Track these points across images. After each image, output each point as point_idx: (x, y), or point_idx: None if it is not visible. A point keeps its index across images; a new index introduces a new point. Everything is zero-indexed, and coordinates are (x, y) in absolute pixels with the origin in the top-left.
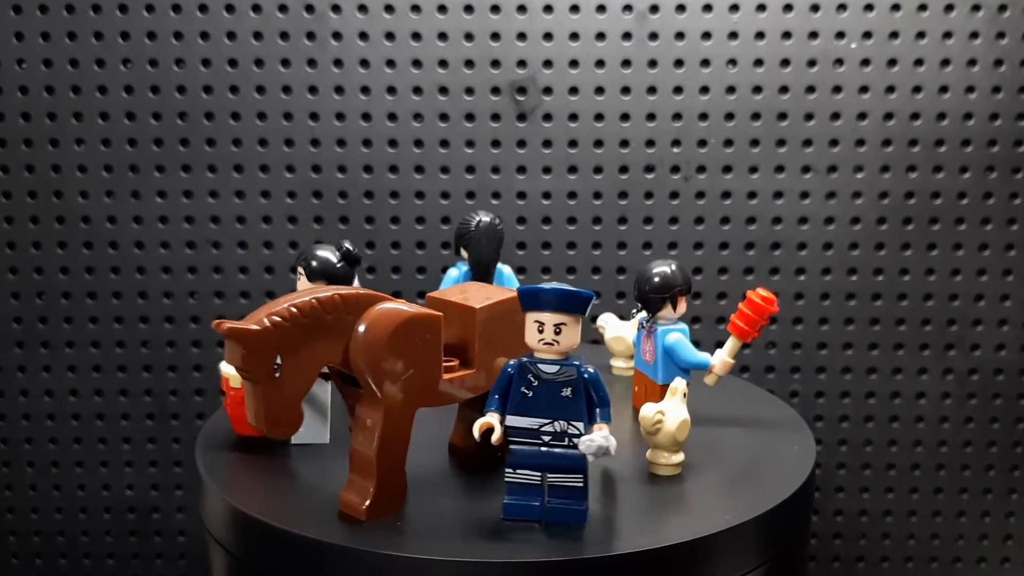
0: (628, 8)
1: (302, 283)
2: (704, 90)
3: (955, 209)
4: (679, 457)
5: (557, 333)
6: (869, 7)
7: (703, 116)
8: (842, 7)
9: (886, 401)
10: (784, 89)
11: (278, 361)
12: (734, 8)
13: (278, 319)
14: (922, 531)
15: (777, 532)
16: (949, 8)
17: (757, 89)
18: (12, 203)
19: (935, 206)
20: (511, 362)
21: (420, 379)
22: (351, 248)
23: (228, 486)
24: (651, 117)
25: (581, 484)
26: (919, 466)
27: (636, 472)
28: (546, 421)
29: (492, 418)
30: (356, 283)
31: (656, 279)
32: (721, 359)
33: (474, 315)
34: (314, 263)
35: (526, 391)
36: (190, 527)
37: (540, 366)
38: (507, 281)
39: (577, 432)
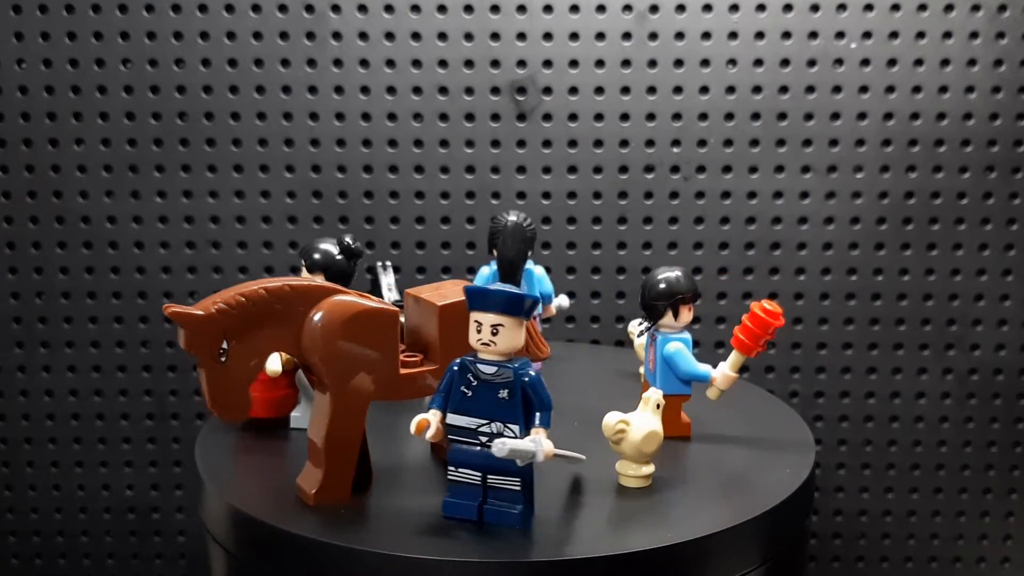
0: (628, 8)
1: (304, 275)
2: (704, 90)
3: (955, 209)
4: (647, 469)
5: (494, 334)
6: (869, 7)
7: (703, 116)
8: (842, 7)
9: (886, 401)
10: (784, 89)
11: (225, 346)
12: (734, 8)
13: (223, 306)
14: (922, 531)
15: (777, 532)
16: (949, 8)
17: (757, 89)
18: (12, 203)
19: (935, 206)
20: (456, 360)
21: (373, 372)
22: (351, 242)
23: (228, 486)
24: (651, 117)
25: (519, 488)
26: (919, 466)
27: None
28: (484, 422)
29: (430, 415)
30: (389, 282)
31: (659, 285)
32: (723, 372)
33: (436, 312)
34: (315, 256)
35: (466, 390)
36: (190, 527)
37: (479, 366)
38: (536, 282)
39: (513, 435)
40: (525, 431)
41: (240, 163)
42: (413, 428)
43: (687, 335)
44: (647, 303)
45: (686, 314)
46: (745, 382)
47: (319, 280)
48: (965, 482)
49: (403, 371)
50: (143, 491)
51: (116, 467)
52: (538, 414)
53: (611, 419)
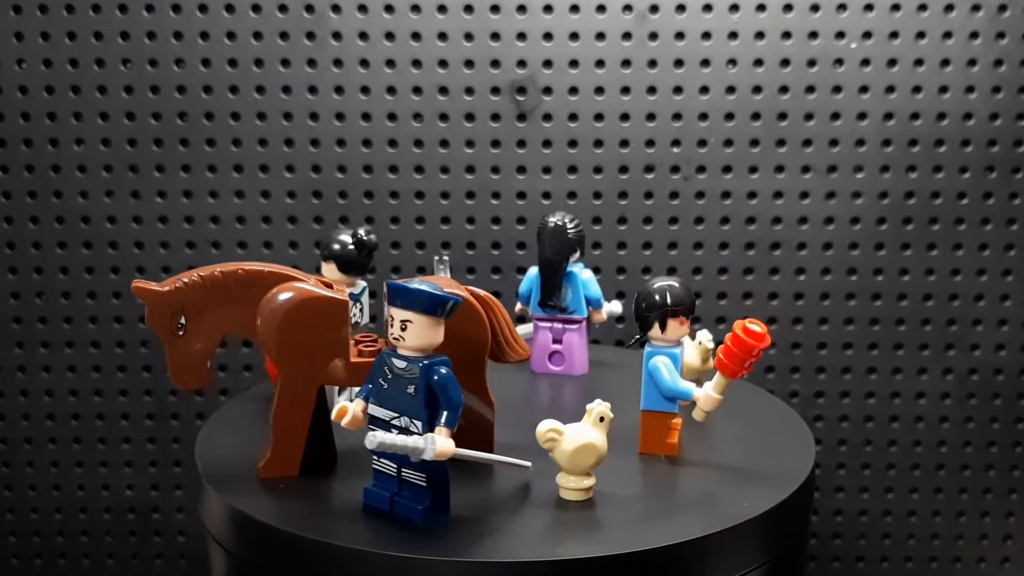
0: (628, 8)
1: (323, 265)
2: (704, 90)
3: (955, 209)
4: (587, 482)
5: (403, 329)
6: (869, 7)
7: (703, 116)
8: (842, 7)
9: (886, 401)
10: (784, 89)
11: (183, 321)
12: (734, 8)
13: (180, 284)
14: (922, 531)
15: (777, 532)
16: (949, 8)
17: (757, 89)
18: (12, 203)
19: (935, 206)
20: (383, 352)
21: (321, 357)
22: (364, 235)
23: (227, 486)
24: (651, 117)
25: (424, 483)
26: (919, 466)
27: (636, 473)
28: (395, 414)
29: (352, 403)
30: (441, 272)
31: (650, 296)
32: (706, 393)
33: None
34: (333, 246)
35: (383, 382)
36: (190, 527)
37: (394, 360)
38: (580, 285)
39: (417, 431)
40: (428, 428)
41: (240, 163)
42: (334, 414)
43: (677, 350)
44: (638, 314)
45: (676, 328)
46: (745, 382)
47: (331, 268)
48: (965, 482)
49: (354, 359)
50: (143, 491)
51: (116, 467)
52: (444, 413)
53: (542, 427)
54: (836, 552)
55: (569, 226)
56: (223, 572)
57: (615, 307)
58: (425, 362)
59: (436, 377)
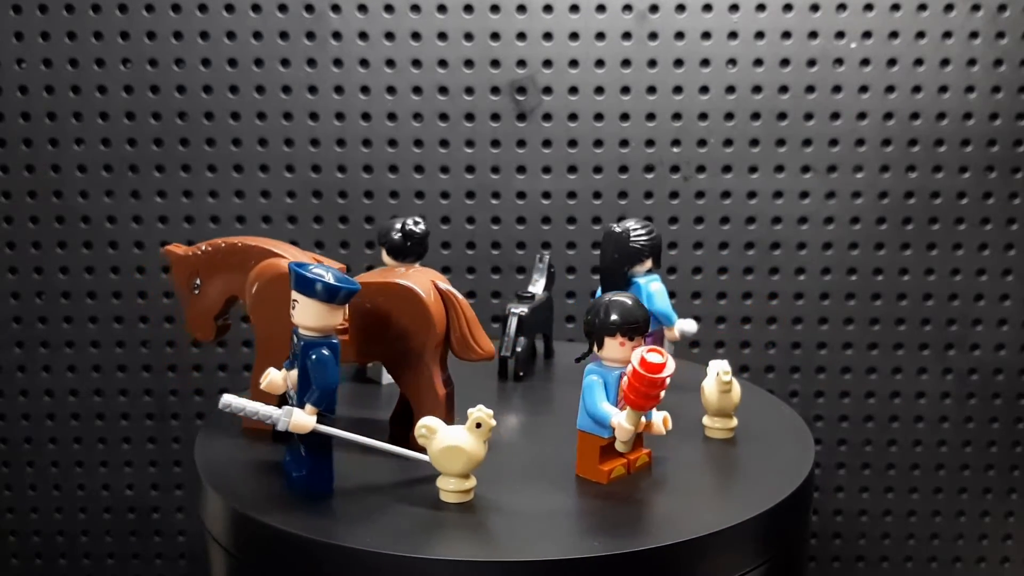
0: (628, 8)
1: (381, 252)
2: (704, 90)
3: (955, 209)
4: (466, 484)
5: (293, 308)
6: (869, 7)
7: (703, 116)
8: (842, 7)
9: (886, 401)
10: (784, 89)
11: (198, 282)
12: (734, 8)
13: (198, 250)
14: (922, 531)
15: (777, 532)
16: (949, 8)
17: (757, 89)
18: (12, 203)
19: (935, 206)
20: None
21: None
22: (413, 225)
23: (227, 486)
24: (651, 117)
25: (303, 453)
26: (919, 466)
27: (635, 473)
28: (291, 387)
29: (276, 371)
30: (536, 277)
31: (590, 309)
32: (619, 423)
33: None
34: (387, 234)
35: (293, 356)
36: (190, 527)
37: (294, 337)
38: (645, 298)
39: (296, 404)
40: (299, 403)
41: (240, 163)
42: (262, 379)
43: (612, 370)
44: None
45: (615, 347)
46: (745, 382)
47: (385, 255)
48: (965, 482)
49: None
50: (143, 491)
51: (116, 467)
52: (311, 391)
53: (420, 423)
54: (836, 552)
55: (633, 233)
56: (223, 572)
57: (688, 326)
58: (307, 341)
59: (311, 357)
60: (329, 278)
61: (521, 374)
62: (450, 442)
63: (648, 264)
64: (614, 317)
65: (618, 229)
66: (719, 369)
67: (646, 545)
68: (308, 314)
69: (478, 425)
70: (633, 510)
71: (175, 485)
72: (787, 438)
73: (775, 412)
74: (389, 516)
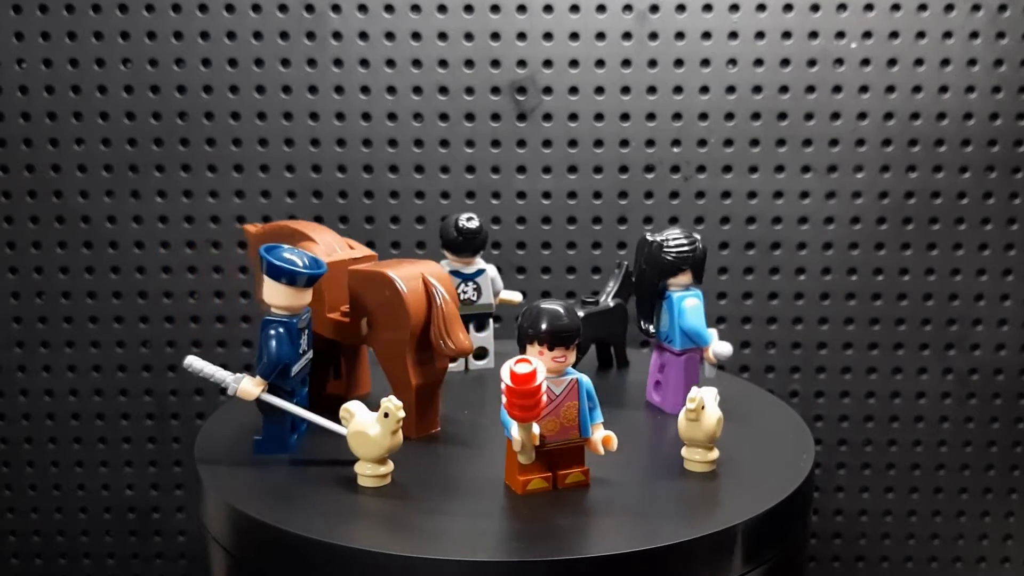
0: (628, 8)
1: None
2: (704, 90)
3: (955, 209)
4: (383, 469)
5: (260, 287)
6: (869, 7)
7: (703, 116)
8: (842, 7)
9: (886, 401)
10: (784, 89)
11: None
12: (734, 8)
13: (263, 229)
14: (922, 531)
15: (777, 532)
16: (949, 8)
17: (757, 89)
18: (12, 203)
19: (935, 206)
20: None
21: (313, 307)
22: (465, 221)
23: (227, 486)
24: (651, 117)
25: (261, 419)
26: (919, 466)
27: (636, 473)
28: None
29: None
30: (610, 286)
31: (520, 314)
32: (511, 434)
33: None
34: (446, 230)
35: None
36: (190, 527)
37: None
38: (675, 314)
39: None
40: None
41: (240, 163)
42: None
43: None
44: None
45: (534, 355)
46: (745, 382)
47: (447, 250)
48: (965, 482)
49: (329, 315)
50: (143, 491)
51: (116, 467)
52: (259, 362)
53: (343, 405)
54: (836, 552)
55: (667, 244)
56: (223, 572)
57: (722, 348)
58: (265, 318)
59: (266, 331)
60: (299, 265)
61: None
62: (359, 427)
63: (685, 278)
64: (531, 325)
65: (651, 237)
66: (688, 396)
67: (646, 545)
68: (267, 292)
69: (386, 415)
70: (633, 511)
71: (175, 485)
72: (787, 438)
73: (775, 412)
74: (389, 516)
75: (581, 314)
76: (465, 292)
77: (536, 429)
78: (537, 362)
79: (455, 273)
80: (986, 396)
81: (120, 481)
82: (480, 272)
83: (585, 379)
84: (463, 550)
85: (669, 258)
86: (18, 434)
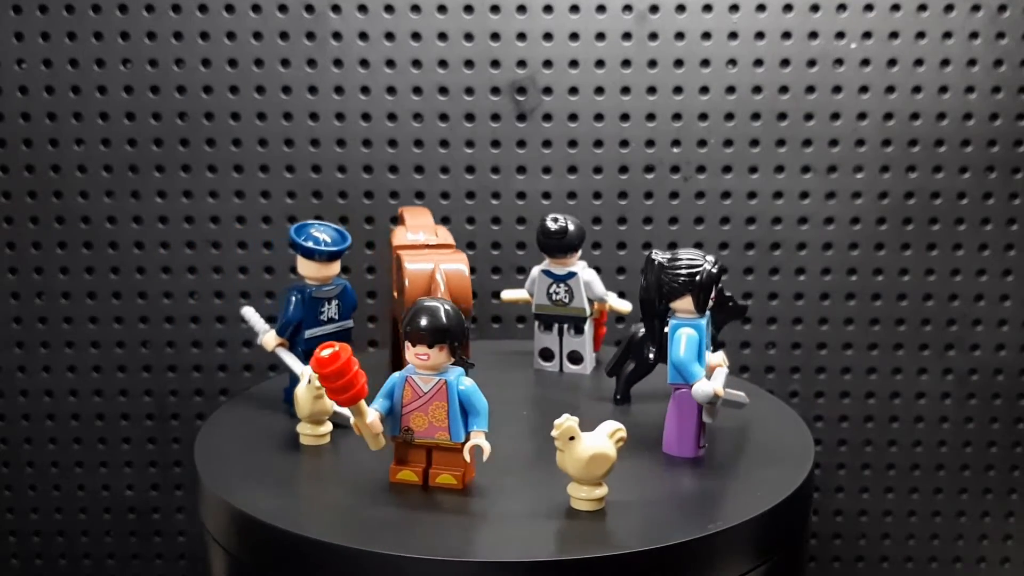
0: (628, 8)
1: None
2: (704, 90)
3: (955, 209)
4: (321, 429)
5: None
6: (869, 7)
7: (703, 116)
8: (842, 7)
9: (886, 401)
10: (784, 89)
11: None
12: (734, 8)
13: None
14: (922, 531)
15: (777, 532)
16: (949, 8)
17: (757, 89)
18: (12, 203)
19: (935, 206)
20: None
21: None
22: (549, 222)
23: (227, 486)
24: (651, 117)
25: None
26: (919, 466)
27: (634, 474)
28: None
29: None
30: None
31: None
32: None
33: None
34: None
35: None
36: (190, 527)
37: None
38: (672, 342)
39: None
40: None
41: (240, 163)
42: None
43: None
44: None
45: (408, 350)
46: (745, 382)
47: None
48: (965, 482)
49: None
50: (143, 491)
51: (116, 467)
52: (278, 321)
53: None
54: (836, 552)
55: (670, 264)
56: (223, 572)
57: (702, 389)
58: (289, 285)
59: (284, 294)
60: (312, 241)
61: (618, 397)
62: (299, 388)
63: (685, 303)
64: (406, 320)
65: (656, 256)
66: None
67: (646, 545)
68: (300, 265)
69: (308, 380)
70: (633, 511)
71: (175, 486)
72: (787, 438)
73: (775, 412)
74: (389, 516)
75: (642, 331)
76: (557, 293)
77: (372, 416)
78: (342, 345)
79: (547, 273)
80: (986, 396)
81: (120, 482)
82: (571, 275)
83: (463, 383)
84: (464, 550)
85: (667, 280)
86: (18, 434)
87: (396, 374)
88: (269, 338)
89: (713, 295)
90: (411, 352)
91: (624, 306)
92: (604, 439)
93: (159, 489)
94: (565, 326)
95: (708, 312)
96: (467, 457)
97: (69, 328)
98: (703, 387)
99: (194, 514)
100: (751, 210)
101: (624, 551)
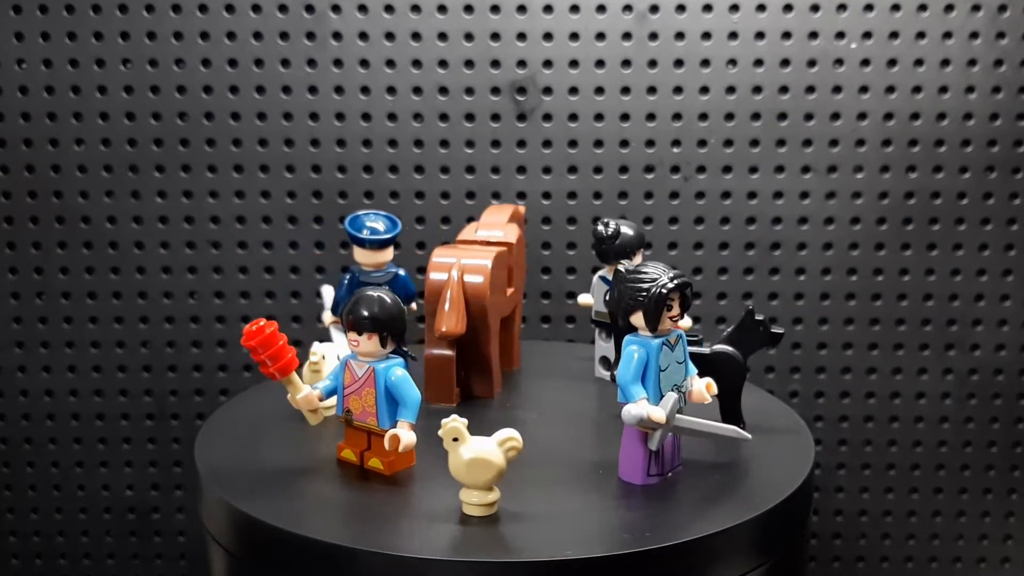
0: (628, 8)
1: None
2: (704, 90)
3: (955, 209)
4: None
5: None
6: (869, 7)
7: (703, 116)
8: (842, 7)
9: (886, 401)
10: (784, 89)
11: None
12: (734, 8)
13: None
14: (922, 531)
15: (777, 532)
16: (949, 8)
17: (757, 89)
18: (12, 203)
19: (935, 206)
20: None
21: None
22: (601, 227)
23: (227, 486)
24: (651, 117)
25: None
26: (919, 466)
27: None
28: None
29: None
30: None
31: None
32: None
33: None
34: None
35: None
36: (190, 527)
37: None
38: (623, 360)
39: None
40: None
41: (240, 163)
42: None
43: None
44: None
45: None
46: (745, 382)
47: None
48: (965, 482)
49: (509, 291)
50: (143, 491)
51: (116, 467)
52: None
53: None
54: (836, 552)
55: (626, 278)
56: (223, 572)
57: (629, 411)
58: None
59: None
60: (359, 230)
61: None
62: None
63: (638, 319)
64: (350, 309)
65: (623, 266)
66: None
67: (646, 546)
68: (355, 253)
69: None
70: (633, 511)
71: (175, 486)
72: (787, 439)
73: (775, 412)
74: (389, 516)
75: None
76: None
77: (303, 392)
78: (271, 323)
79: (603, 280)
80: (986, 396)
81: (120, 481)
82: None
83: (394, 374)
84: (464, 550)
85: (624, 293)
86: (18, 434)
87: (344, 356)
88: (326, 316)
89: (663, 313)
90: (348, 337)
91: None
92: (491, 445)
93: (159, 489)
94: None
95: (682, 335)
96: (386, 444)
97: (69, 328)
98: (630, 409)
99: (194, 514)
100: (751, 210)
101: (624, 551)
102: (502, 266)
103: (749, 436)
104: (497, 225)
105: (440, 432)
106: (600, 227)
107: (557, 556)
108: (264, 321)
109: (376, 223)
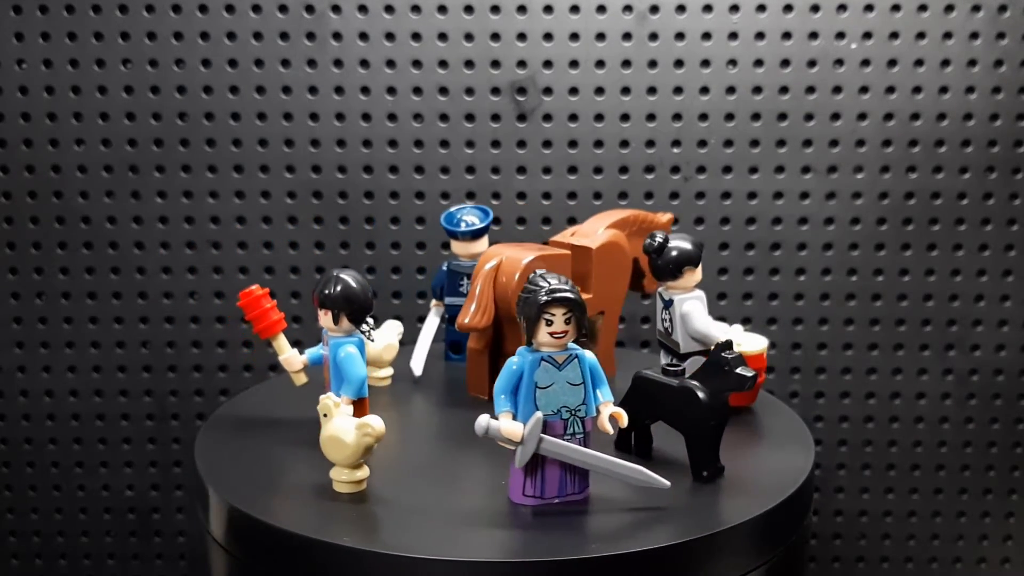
0: (628, 8)
1: None
2: (704, 91)
3: (955, 210)
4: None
5: None
6: (869, 7)
7: (703, 117)
8: (842, 7)
9: (886, 402)
10: (784, 90)
11: None
12: (734, 8)
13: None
14: (922, 531)
15: (777, 532)
16: (949, 8)
17: (757, 90)
18: (12, 203)
19: (935, 207)
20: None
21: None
22: (653, 240)
23: (228, 486)
24: (651, 118)
25: None
26: (919, 466)
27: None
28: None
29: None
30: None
31: None
32: None
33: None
34: None
35: None
36: (190, 528)
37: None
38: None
39: None
40: None
41: (240, 163)
42: None
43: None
44: None
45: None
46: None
47: None
48: (965, 483)
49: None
50: (143, 492)
51: (116, 467)
52: None
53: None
54: (836, 552)
55: (528, 283)
56: (223, 572)
57: (502, 425)
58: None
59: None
60: (451, 222)
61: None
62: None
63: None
64: (320, 289)
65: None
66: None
67: (645, 546)
68: (453, 245)
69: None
70: (633, 511)
71: (175, 486)
72: (787, 438)
73: (775, 412)
74: (389, 516)
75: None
76: (664, 321)
77: (287, 353)
78: (261, 288)
79: (660, 297)
80: (986, 397)
81: (120, 482)
82: (671, 302)
83: (344, 351)
84: (464, 551)
85: (530, 297)
86: (18, 434)
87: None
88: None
89: (539, 327)
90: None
91: (760, 342)
92: (348, 425)
93: (159, 489)
94: (670, 357)
95: (582, 356)
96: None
97: (69, 328)
98: (479, 419)
99: (194, 514)
100: (751, 210)
101: (623, 551)
102: (555, 270)
103: (662, 482)
104: (584, 230)
105: (318, 407)
106: (648, 239)
107: (558, 556)
108: (255, 287)
109: (468, 216)
